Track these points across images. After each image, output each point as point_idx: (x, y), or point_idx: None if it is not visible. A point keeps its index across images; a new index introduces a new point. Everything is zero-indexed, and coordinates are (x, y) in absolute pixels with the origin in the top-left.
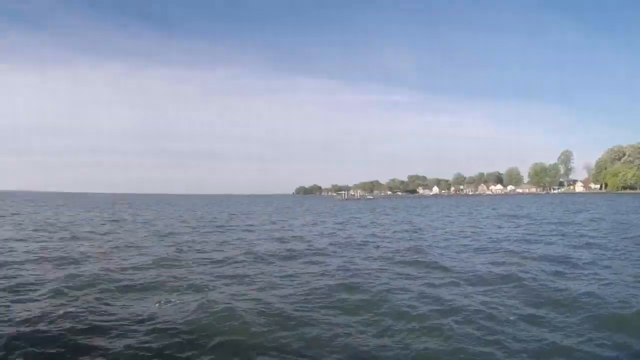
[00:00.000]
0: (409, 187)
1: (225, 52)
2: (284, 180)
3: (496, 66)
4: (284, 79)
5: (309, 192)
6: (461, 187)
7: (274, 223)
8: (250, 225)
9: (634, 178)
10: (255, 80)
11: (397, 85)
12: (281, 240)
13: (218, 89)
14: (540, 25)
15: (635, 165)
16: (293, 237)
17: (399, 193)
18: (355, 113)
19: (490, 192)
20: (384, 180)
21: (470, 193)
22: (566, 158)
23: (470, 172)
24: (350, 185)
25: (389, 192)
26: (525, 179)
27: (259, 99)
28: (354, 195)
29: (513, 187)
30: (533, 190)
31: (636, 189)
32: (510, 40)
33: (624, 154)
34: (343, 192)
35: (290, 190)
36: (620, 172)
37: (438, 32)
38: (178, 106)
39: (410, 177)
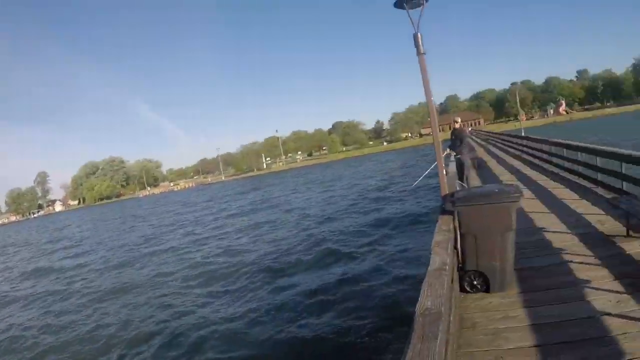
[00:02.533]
0: None
1: None
2: None
3: None
4: None
5: None
6: None
7: None
8: None
9: (109, 188)
10: None
11: None
12: None
13: None
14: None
15: (108, 177)
16: None
17: None
18: None
19: None
20: None
21: None
22: (42, 179)
23: None
24: None
25: None
26: (4, 209)
27: None
28: None
29: None
30: (13, 218)
31: (112, 198)
32: None
33: (98, 168)
34: None
35: None
36: (95, 185)
37: None
38: None
39: None
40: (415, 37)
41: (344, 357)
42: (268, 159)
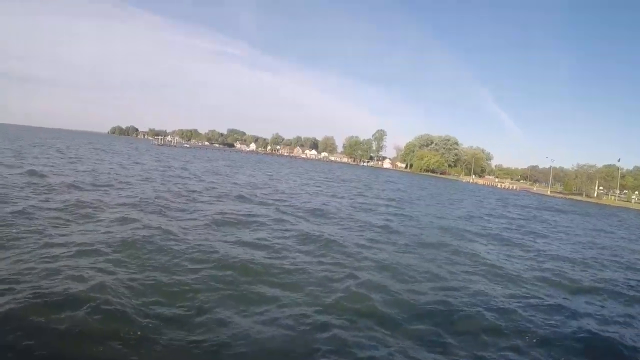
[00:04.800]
0: (227, 140)
1: None
2: (99, 116)
3: (330, 39)
4: (118, 7)
5: (125, 132)
6: (278, 147)
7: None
8: None
9: (437, 163)
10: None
11: (235, 37)
12: None
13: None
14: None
15: (439, 153)
16: None
17: (216, 145)
18: (185, 58)
19: (305, 156)
20: (203, 129)
21: (285, 154)
22: (379, 136)
23: (288, 135)
24: (169, 130)
25: (207, 143)
26: (340, 149)
27: (87, 24)
28: (170, 141)
29: (327, 154)
30: (345, 160)
31: (436, 173)
32: (351, 19)
33: (432, 142)
34: (160, 137)
35: (106, 128)
36: (425, 157)
37: None
38: None
39: (229, 130)
40: None
41: None
42: (601, 188)
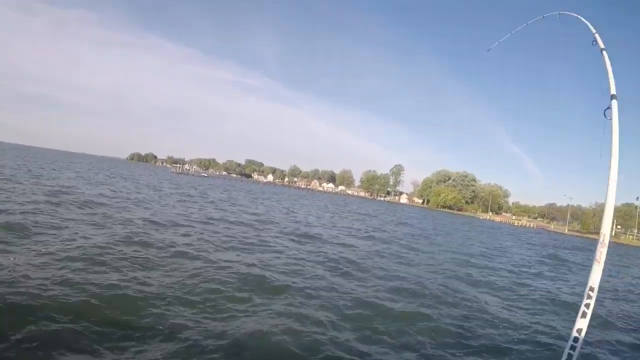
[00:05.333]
0: (245, 171)
1: None
2: (118, 142)
3: (349, 73)
4: (141, 37)
5: (144, 159)
6: (295, 179)
7: None
8: None
9: (454, 200)
10: (108, 32)
11: (255, 69)
12: None
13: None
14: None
15: (457, 190)
16: None
17: (234, 175)
18: (205, 88)
19: (322, 189)
20: (221, 159)
21: (303, 186)
22: (397, 171)
23: (306, 167)
24: (187, 159)
25: (224, 173)
26: (357, 183)
27: (107, 51)
28: (188, 170)
29: (344, 188)
30: (362, 194)
31: (453, 209)
32: (371, 55)
33: (449, 178)
34: (178, 165)
35: (124, 154)
36: (443, 193)
37: (307, 28)
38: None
39: (247, 161)
40: None
41: None
42: (619, 227)
